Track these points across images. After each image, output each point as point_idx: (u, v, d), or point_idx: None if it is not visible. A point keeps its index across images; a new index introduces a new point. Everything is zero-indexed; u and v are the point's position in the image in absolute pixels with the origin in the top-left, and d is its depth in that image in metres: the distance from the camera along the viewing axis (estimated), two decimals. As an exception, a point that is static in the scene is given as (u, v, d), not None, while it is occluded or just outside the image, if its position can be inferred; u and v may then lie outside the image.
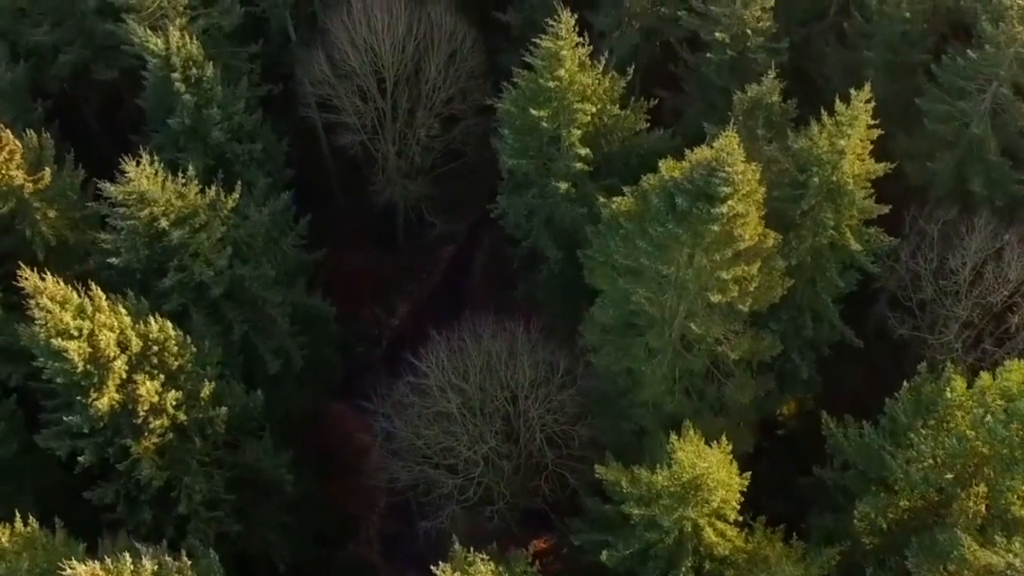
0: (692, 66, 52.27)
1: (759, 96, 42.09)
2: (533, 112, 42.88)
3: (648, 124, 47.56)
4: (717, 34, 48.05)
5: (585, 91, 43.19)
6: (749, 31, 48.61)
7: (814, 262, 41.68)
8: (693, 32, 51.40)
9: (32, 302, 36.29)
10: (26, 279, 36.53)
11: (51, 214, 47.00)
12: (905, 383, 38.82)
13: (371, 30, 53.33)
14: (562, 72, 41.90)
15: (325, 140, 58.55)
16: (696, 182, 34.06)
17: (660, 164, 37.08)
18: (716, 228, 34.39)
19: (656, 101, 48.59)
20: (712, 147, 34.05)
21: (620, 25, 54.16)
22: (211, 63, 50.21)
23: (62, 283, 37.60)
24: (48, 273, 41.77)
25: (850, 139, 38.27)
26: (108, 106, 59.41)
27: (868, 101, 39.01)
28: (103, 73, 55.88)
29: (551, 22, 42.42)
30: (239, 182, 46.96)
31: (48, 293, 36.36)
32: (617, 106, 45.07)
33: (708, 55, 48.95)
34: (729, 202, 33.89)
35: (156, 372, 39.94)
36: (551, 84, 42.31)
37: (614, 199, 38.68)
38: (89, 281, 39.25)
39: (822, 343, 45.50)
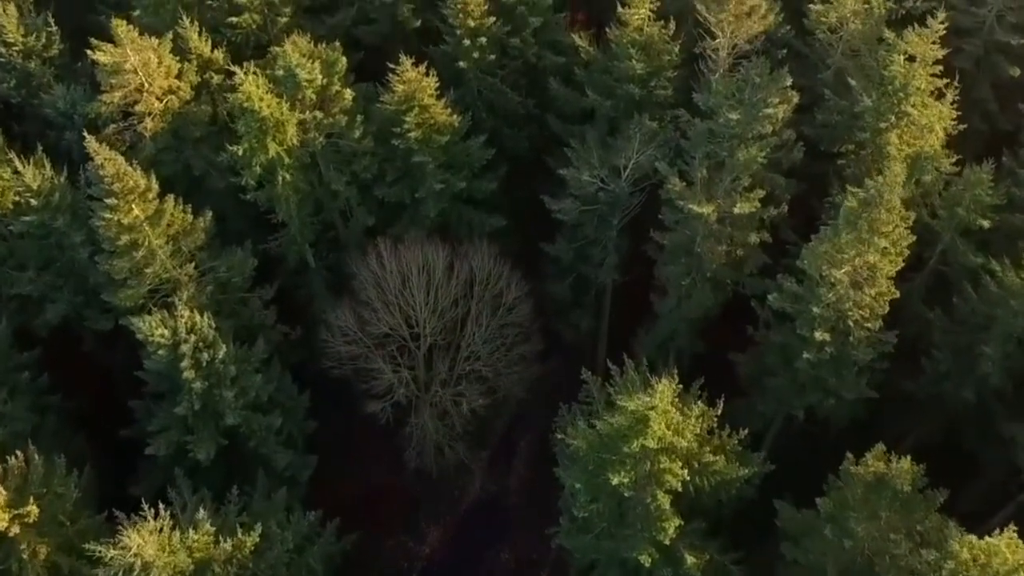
0: (775, 339, 45.33)
1: (884, 475, 35.36)
2: (612, 478, 36.14)
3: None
4: (817, 334, 41.17)
5: (676, 448, 36.44)
6: (851, 323, 41.78)
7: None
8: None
9: None
10: None
11: (42, 551, 40.60)
12: None
13: (406, 286, 46.31)
14: (650, 441, 35.10)
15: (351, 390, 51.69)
16: None
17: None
18: None
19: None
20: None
21: (690, 272, 47.17)
22: (225, 346, 43.41)
23: None
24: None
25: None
26: (104, 345, 52.21)
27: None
28: (98, 323, 48.74)
29: (651, 390, 35.55)
30: (258, 526, 40.06)
31: None
32: (708, 450, 38.24)
33: (804, 355, 42.00)
34: None
35: None
36: (634, 449, 35.55)
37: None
38: None
39: None
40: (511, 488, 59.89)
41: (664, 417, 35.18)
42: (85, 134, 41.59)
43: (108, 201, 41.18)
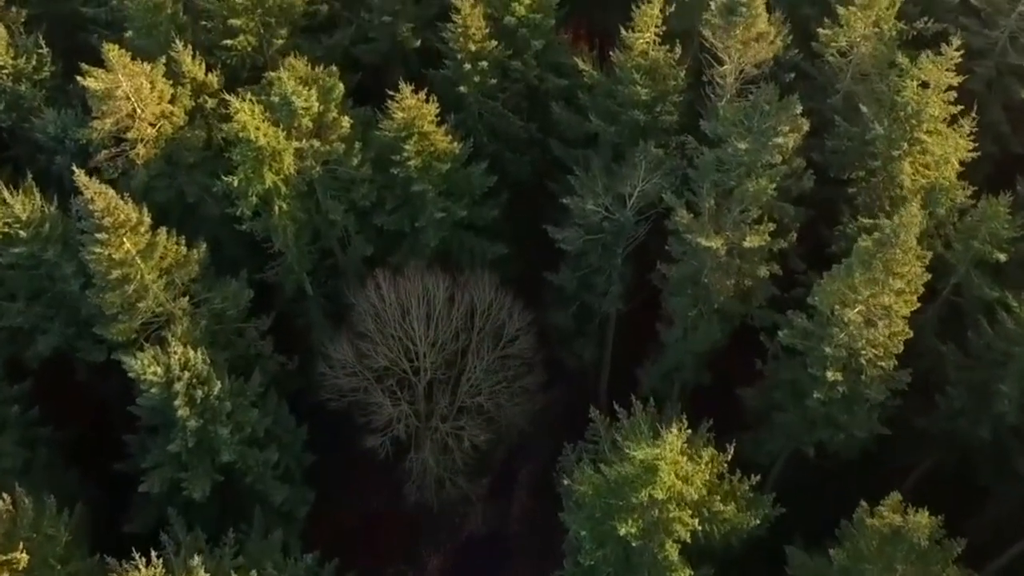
0: (784, 375, 44.12)
1: (901, 529, 34.22)
2: (619, 528, 34.99)
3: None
4: (828, 373, 40.01)
5: (686, 497, 35.27)
6: (864, 362, 40.56)
7: None
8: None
9: None
10: None
11: (32, 596, 39.41)
12: None
13: (406, 319, 45.12)
14: (659, 492, 33.93)
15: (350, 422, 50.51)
16: None
17: None
18: None
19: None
20: None
21: (697, 304, 45.95)
22: (219, 381, 42.20)
23: None
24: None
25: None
26: (98, 375, 50.90)
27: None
28: (90, 354, 47.38)
29: (660, 440, 34.33)
30: (254, 573, 38.95)
31: None
32: (718, 498, 37.05)
33: (815, 394, 40.85)
34: None
35: None
36: (642, 499, 34.39)
37: None
38: None
39: None
40: (512, 517, 58.68)
41: (673, 467, 34.04)
42: (74, 168, 40.18)
43: (98, 235, 39.90)
